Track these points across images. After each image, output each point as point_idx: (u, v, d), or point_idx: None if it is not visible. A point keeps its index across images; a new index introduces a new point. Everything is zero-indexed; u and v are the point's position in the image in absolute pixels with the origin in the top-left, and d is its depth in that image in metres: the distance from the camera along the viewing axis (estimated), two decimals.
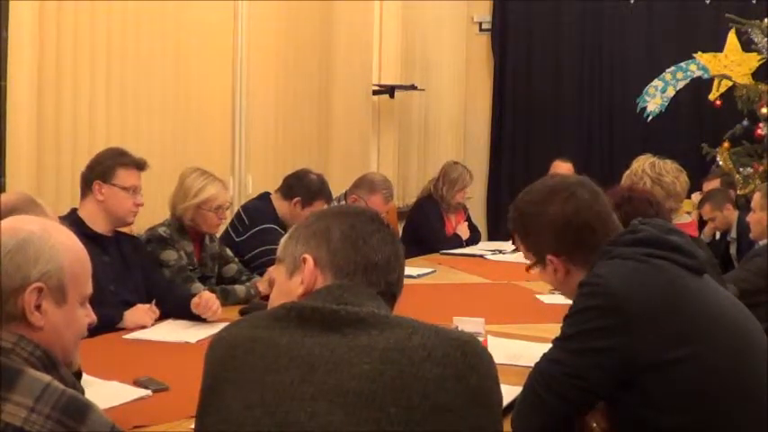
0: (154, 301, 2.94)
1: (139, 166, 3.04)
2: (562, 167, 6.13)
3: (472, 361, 1.26)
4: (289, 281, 1.45)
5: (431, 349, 1.25)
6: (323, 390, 1.22)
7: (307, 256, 1.43)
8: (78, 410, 1.24)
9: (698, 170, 6.39)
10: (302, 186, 4.03)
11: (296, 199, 4.01)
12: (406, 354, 1.24)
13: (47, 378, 1.26)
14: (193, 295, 2.97)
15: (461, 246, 5.30)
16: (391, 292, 1.45)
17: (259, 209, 4.04)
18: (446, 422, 1.22)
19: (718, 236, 5.22)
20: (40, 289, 1.34)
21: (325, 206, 4.16)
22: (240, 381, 1.28)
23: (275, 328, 1.31)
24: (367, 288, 1.39)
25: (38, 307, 1.34)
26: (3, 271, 1.31)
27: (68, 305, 1.39)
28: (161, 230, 3.33)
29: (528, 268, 2.04)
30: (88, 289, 1.44)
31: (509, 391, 1.76)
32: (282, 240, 1.52)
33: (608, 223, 1.93)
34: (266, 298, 3.26)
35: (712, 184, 5.65)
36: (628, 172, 3.61)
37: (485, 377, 1.28)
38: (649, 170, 3.46)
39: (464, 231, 5.46)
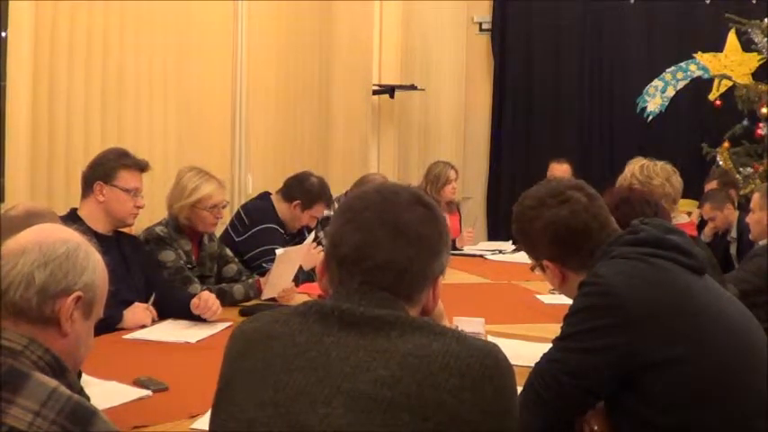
0: (151, 300, 2.94)
1: (141, 167, 3.03)
2: (559, 169, 6.10)
3: (491, 372, 1.24)
4: None
5: (450, 358, 1.22)
6: (337, 392, 1.20)
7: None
8: (84, 417, 1.23)
9: (698, 170, 6.41)
10: (302, 190, 4.03)
11: (296, 202, 4.02)
12: (424, 361, 1.21)
13: (53, 383, 1.26)
14: (193, 295, 2.97)
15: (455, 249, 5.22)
16: (373, 280, 1.31)
17: (259, 209, 4.04)
18: None
19: (720, 235, 5.22)
20: (79, 298, 1.37)
21: (325, 210, 4.16)
22: (253, 378, 1.27)
23: (294, 324, 1.29)
24: (371, 289, 1.31)
25: (70, 315, 1.36)
26: (50, 272, 1.34)
27: (90, 320, 1.43)
28: (158, 230, 3.32)
29: (532, 268, 2.08)
30: (102, 312, 1.47)
31: None
32: None
33: (605, 226, 1.94)
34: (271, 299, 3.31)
35: (711, 186, 5.65)
36: (620, 176, 3.57)
37: (502, 389, 1.26)
38: (639, 174, 3.42)
39: (468, 239, 5.36)
